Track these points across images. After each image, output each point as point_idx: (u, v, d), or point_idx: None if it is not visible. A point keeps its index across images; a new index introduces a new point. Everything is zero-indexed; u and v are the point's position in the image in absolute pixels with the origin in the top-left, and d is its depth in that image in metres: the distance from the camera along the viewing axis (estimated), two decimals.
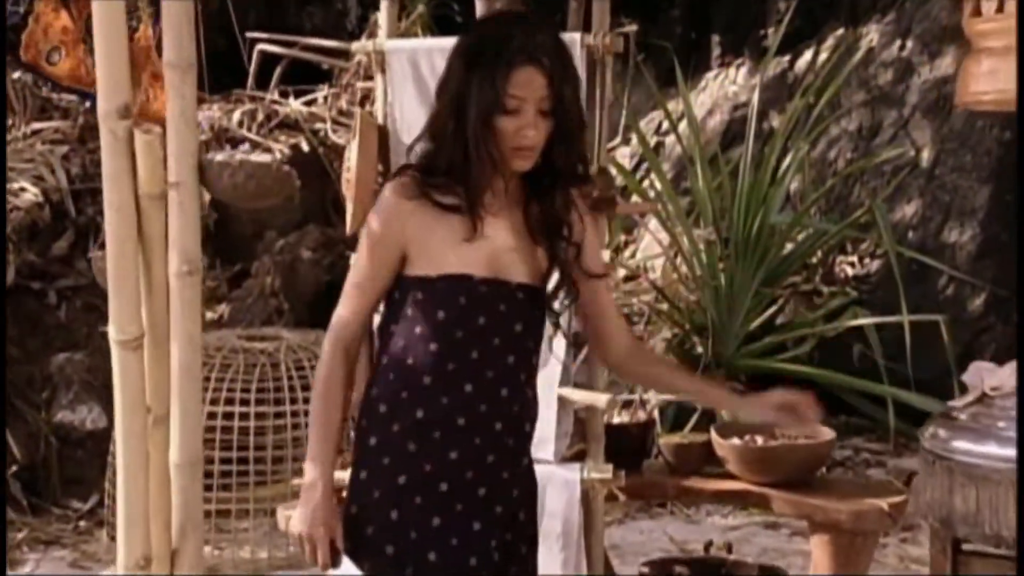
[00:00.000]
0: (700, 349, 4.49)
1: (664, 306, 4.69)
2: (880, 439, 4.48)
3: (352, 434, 1.95)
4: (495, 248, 1.84)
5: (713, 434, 3.08)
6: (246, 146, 1.55)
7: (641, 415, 3.27)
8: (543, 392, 2.79)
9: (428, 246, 1.83)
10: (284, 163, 1.48)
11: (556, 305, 1.92)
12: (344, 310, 1.89)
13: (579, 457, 2.85)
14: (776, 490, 2.89)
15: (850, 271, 4.85)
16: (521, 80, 1.77)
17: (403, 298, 1.85)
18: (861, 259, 4.87)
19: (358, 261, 1.89)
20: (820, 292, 4.76)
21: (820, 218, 4.92)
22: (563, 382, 2.81)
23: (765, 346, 4.57)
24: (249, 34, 5.69)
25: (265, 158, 1.62)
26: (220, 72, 4.76)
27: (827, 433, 3.06)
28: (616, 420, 3.16)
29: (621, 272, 4.87)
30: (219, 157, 1.60)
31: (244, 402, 3.68)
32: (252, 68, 5.41)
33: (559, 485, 2.63)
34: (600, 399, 2.77)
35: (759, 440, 3.04)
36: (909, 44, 5.14)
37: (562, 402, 2.77)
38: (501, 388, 1.83)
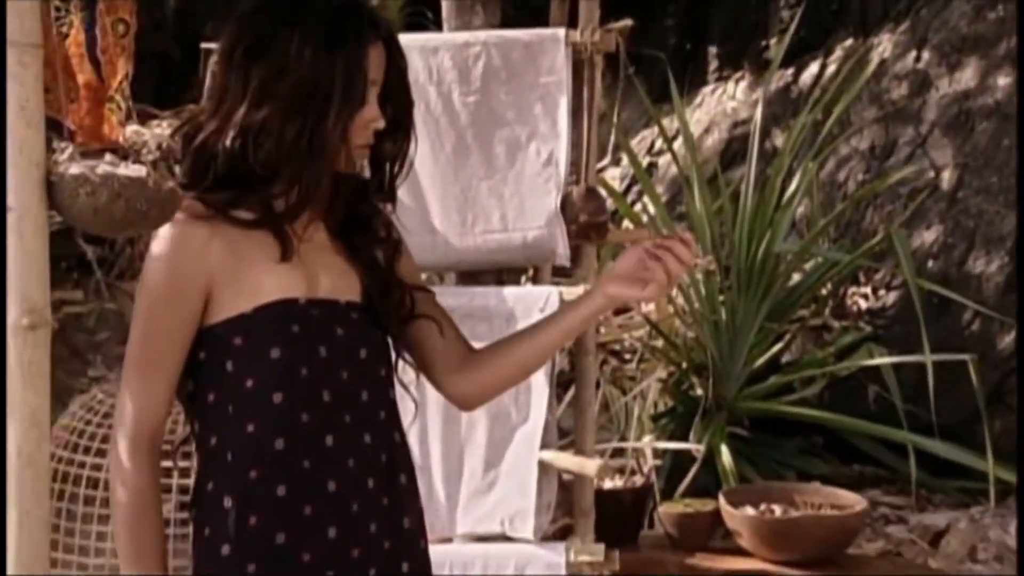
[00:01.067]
0: (699, 390, 4.13)
1: (659, 343, 4.37)
2: (900, 492, 4.11)
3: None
4: (313, 264, 1.54)
5: (722, 502, 2.67)
6: (110, 156, 1.22)
7: (637, 478, 2.81)
8: (520, 456, 2.37)
9: (238, 274, 1.50)
10: (168, 178, 1.15)
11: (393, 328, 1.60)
12: (139, 400, 1.46)
13: (564, 534, 2.52)
14: (799, 569, 2.60)
15: (864, 304, 4.52)
16: (375, 59, 1.49)
17: (214, 355, 1.50)
18: (876, 291, 4.53)
19: (144, 331, 1.49)
20: (831, 327, 4.45)
21: (830, 246, 4.60)
22: (545, 443, 2.40)
23: (770, 387, 4.22)
24: (205, 44, 5.21)
25: (139, 171, 1.21)
26: (175, 85, 4.34)
27: (857, 502, 2.62)
28: (608, 484, 2.69)
29: None
30: (73, 169, 1.17)
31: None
32: (207, 80, 4.93)
33: (540, 568, 2.28)
34: (589, 465, 2.33)
35: (777, 510, 2.66)
36: (925, 55, 4.82)
37: (544, 468, 2.38)
38: (363, 434, 1.50)
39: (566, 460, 2.42)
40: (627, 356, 4.48)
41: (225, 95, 1.51)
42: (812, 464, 4.11)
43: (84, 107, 3.39)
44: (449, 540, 2.49)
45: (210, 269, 1.49)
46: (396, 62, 1.53)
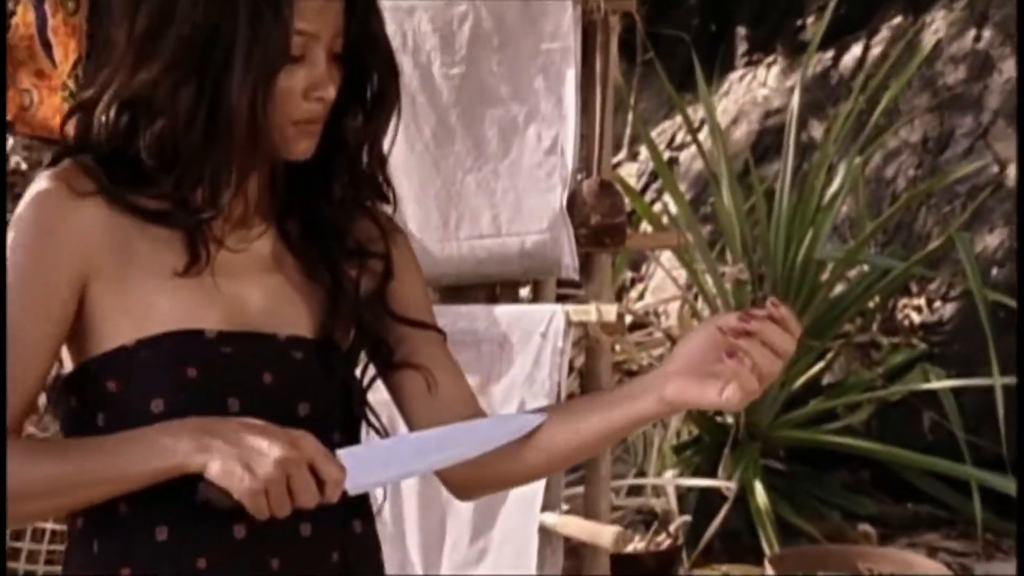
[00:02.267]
0: (728, 417, 3.88)
1: None
2: (963, 535, 3.85)
3: None
4: (239, 282, 1.20)
5: (768, 572, 2.21)
6: None
7: (661, 538, 2.36)
8: (516, 520, 1.99)
9: (124, 284, 1.16)
10: None
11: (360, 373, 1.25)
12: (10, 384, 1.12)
13: None
14: None
15: (917, 318, 4.29)
16: (314, 4, 1.17)
17: (85, 404, 1.16)
18: (931, 303, 4.31)
19: (11, 312, 1.13)
20: (879, 345, 4.23)
21: (878, 252, 4.39)
22: (547, 503, 2.06)
23: (810, 413, 3.99)
24: None
25: None
26: None
27: (936, 571, 2.19)
28: (628, 548, 2.26)
29: (627, 319, 4.21)
30: None
31: None
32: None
33: None
34: (604, 534, 1.95)
35: None
36: (986, 34, 4.57)
37: (546, 535, 2.02)
38: (299, 525, 1.14)
39: (574, 526, 2.01)
40: None
41: (111, 53, 1.20)
42: (859, 503, 3.89)
43: (34, 96, 3.06)
44: None
45: (87, 257, 1.14)
46: (362, 13, 1.20)
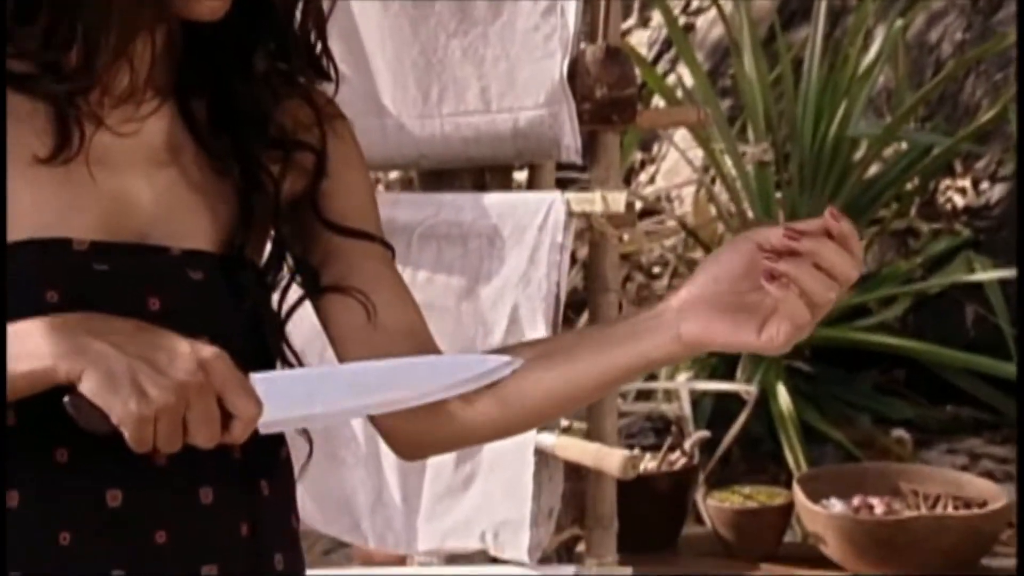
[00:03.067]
0: None
1: (697, 253, 4.14)
2: (1008, 440, 3.78)
3: None
4: (122, 178, 0.98)
5: (797, 494, 2.08)
6: None
7: (676, 456, 2.19)
8: (508, 442, 1.78)
9: None
10: None
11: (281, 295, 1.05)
12: None
13: (570, 551, 2.08)
14: None
15: (960, 201, 4.17)
16: None
17: None
18: (977, 184, 4.18)
19: None
20: (918, 232, 4.13)
21: (918, 127, 4.27)
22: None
23: (840, 309, 3.83)
24: None
25: None
26: None
27: (996, 495, 2.04)
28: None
29: (637, 207, 4.16)
30: None
31: None
32: None
33: None
34: (610, 458, 1.85)
35: (877, 506, 2.11)
36: None
37: (543, 458, 1.88)
38: (198, 489, 0.95)
39: (575, 448, 1.84)
40: (657, 270, 4.31)
41: None
42: (893, 406, 3.80)
43: None
44: (403, 561, 2.04)
45: None
46: None
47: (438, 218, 1.99)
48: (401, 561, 2.02)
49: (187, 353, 0.85)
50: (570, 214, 1.90)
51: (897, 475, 2.18)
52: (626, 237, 3.89)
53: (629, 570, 1.85)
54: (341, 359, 1.03)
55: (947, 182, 4.22)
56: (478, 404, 0.97)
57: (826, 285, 0.87)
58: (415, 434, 1.01)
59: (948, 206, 4.17)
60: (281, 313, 1.02)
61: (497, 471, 1.89)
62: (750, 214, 3.90)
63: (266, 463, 0.99)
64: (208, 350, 0.86)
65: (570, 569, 1.87)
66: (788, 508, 2.14)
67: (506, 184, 2.17)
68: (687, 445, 2.19)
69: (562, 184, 2.18)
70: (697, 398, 3.54)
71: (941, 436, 3.78)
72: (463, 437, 1.01)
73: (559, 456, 1.86)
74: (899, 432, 3.63)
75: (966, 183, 4.17)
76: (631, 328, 0.94)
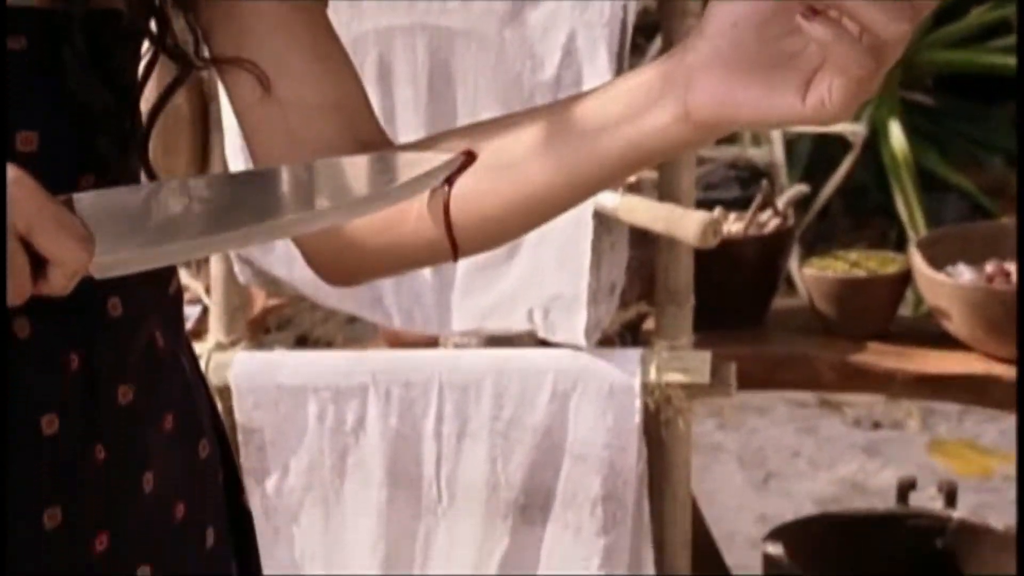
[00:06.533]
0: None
1: None
2: None
3: None
4: None
5: (916, 259, 2.00)
6: None
7: (766, 216, 2.05)
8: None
9: None
10: None
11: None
12: None
13: (635, 331, 1.97)
14: None
15: None
16: None
17: None
18: None
19: None
20: None
21: None
22: None
23: (970, 26, 3.74)
24: None
25: None
26: None
27: None
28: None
29: None
30: None
31: None
32: None
33: (598, 392, 1.77)
34: (686, 221, 1.71)
35: (1014, 272, 1.97)
36: None
37: (603, 223, 1.78)
38: (70, 354, 0.84)
39: (644, 210, 1.72)
40: None
41: None
42: None
43: None
44: (435, 343, 1.95)
45: None
46: None
47: None
48: (433, 343, 1.94)
49: None
50: None
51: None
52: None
53: (707, 354, 1.75)
54: (253, 158, 0.90)
55: None
56: (420, 217, 0.83)
57: (896, 16, 0.68)
58: (343, 258, 0.89)
59: None
60: (144, 98, 0.86)
61: (548, 238, 1.78)
62: None
63: (152, 306, 0.88)
64: (11, 172, 0.70)
65: (635, 353, 1.78)
66: (903, 277, 2.01)
67: None
68: (780, 203, 2.04)
69: None
70: (792, 140, 3.49)
71: None
72: (405, 258, 0.88)
73: (623, 219, 1.75)
74: None
75: None
76: (623, 107, 0.76)
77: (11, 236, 0.70)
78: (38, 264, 0.71)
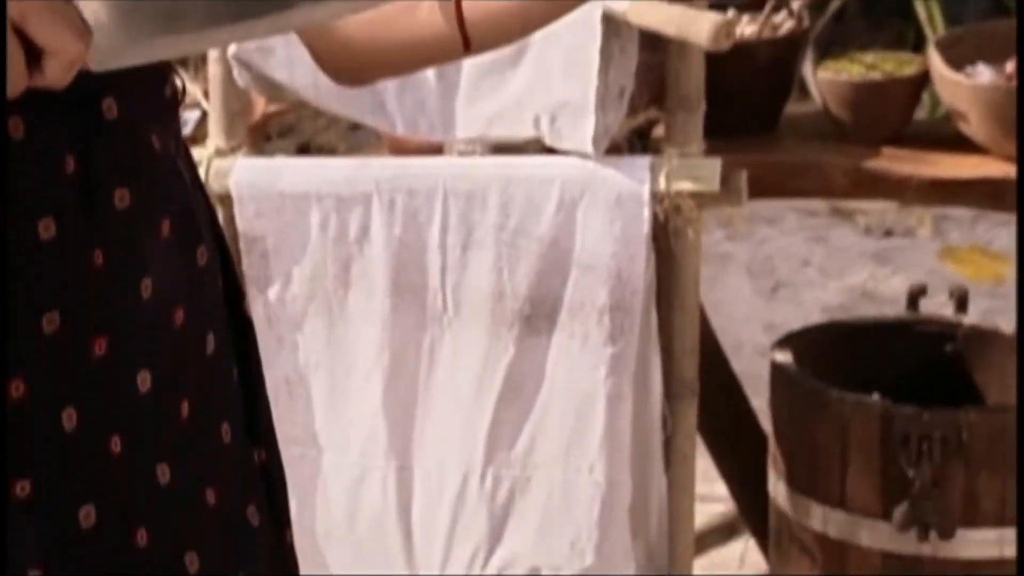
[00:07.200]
0: None
1: None
2: None
3: None
4: None
5: (934, 59, 1.96)
6: None
7: (780, 18, 2.01)
8: None
9: None
10: None
11: None
12: None
13: (645, 138, 1.92)
14: None
15: None
16: None
17: None
18: None
19: None
20: None
21: None
22: None
23: None
24: None
25: None
26: None
27: None
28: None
29: None
30: None
31: None
32: None
33: (607, 200, 1.76)
34: (698, 23, 1.66)
35: None
36: None
37: (612, 26, 1.73)
38: (65, 157, 0.83)
39: (654, 12, 1.69)
40: None
41: None
42: None
43: None
44: (439, 150, 1.92)
45: None
46: None
47: None
48: (437, 151, 1.91)
49: None
50: None
51: None
52: None
53: (718, 161, 1.73)
54: None
55: None
56: (429, 13, 0.80)
57: None
58: (346, 55, 0.87)
59: None
60: None
61: (555, 42, 1.73)
62: None
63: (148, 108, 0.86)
64: None
65: (645, 160, 1.75)
66: (921, 79, 1.97)
67: None
68: (795, 4, 1.99)
69: None
70: None
71: None
72: (406, 57, 0.85)
73: (633, 22, 1.70)
74: None
75: None
76: None
77: (8, 26, 0.68)
78: (34, 57, 0.69)
